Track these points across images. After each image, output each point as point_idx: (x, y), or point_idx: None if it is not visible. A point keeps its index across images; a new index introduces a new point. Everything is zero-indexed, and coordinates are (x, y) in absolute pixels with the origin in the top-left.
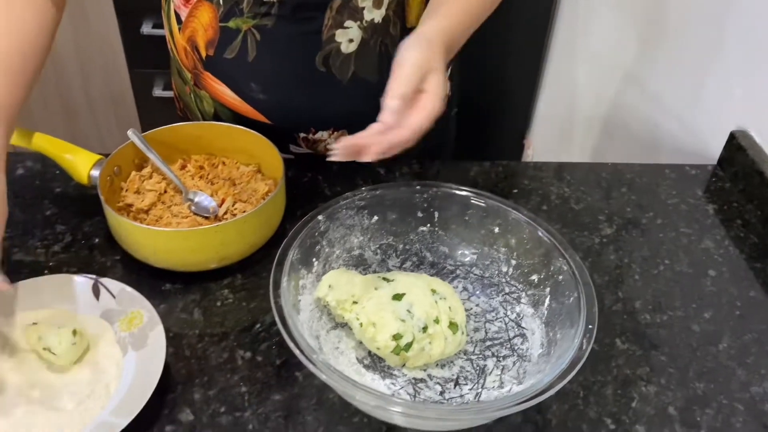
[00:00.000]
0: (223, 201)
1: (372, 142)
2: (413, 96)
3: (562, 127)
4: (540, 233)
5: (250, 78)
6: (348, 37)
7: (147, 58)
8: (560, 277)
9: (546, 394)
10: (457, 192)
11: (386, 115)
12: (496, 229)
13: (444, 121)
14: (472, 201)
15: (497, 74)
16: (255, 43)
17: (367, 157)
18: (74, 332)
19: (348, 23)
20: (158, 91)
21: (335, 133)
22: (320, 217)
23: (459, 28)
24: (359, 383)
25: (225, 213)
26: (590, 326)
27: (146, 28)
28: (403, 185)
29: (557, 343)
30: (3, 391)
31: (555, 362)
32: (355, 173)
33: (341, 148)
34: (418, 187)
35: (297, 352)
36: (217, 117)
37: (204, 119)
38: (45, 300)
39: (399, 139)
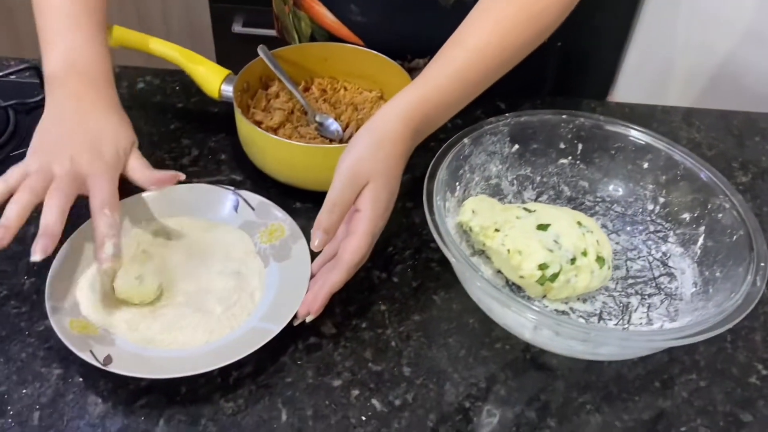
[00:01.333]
0: (346, 126)
1: (313, 297)
2: (350, 216)
3: (653, 80)
4: (697, 171)
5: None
6: None
7: None
8: (719, 215)
9: (724, 327)
10: (606, 125)
11: (315, 245)
12: (646, 165)
13: (545, 54)
14: (623, 134)
15: (585, 25)
16: None
17: (316, 311)
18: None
19: None
20: (237, 27)
21: None
22: (465, 140)
23: (442, 98)
24: (518, 297)
25: (349, 138)
26: (762, 264)
27: None
28: (549, 113)
29: (717, 281)
30: (151, 293)
31: (723, 299)
32: (476, 106)
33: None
34: (564, 117)
35: (454, 261)
36: (313, 38)
37: (300, 40)
38: (184, 208)
39: (338, 280)
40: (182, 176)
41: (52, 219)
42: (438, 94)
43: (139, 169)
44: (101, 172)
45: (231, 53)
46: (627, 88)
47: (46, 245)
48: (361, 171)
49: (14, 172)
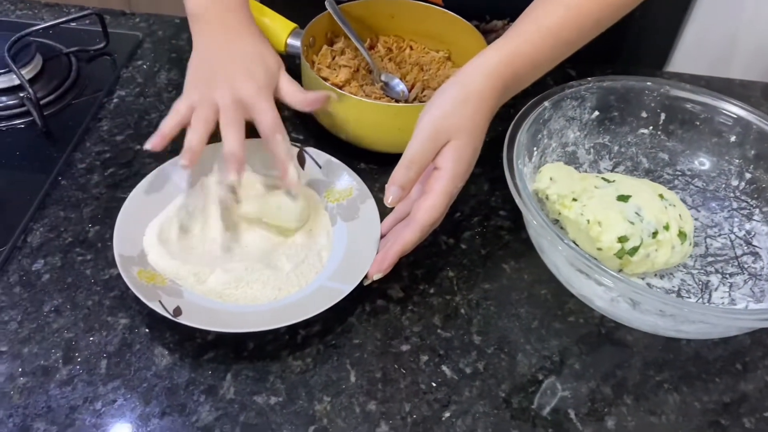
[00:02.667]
0: (412, 86)
1: (383, 256)
2: (427, 174)
3: (713, 54)
4: None
5: None
6: None
7: None
8: None
9: None
10: (695, 94)
11: (389, 201)
12: (733, 138)
13: (626, 24)
14: (712, 105)
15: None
16: None
17: (385, 270)
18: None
19: None
20: None
21: (509, 24)
22: (546, 104)
23: (534, 56)
24: (603, 266)
25: (414, 99)
26: None
27: None
28: (634, 79)
29: None
30: (221, 248)
31: None
32: (546, 74)
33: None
34: (649, 84)
35: (536, 224)
36: None
37: None
38: (251, 162)
39: (411, 239)
40: (335, 96)
41: (235, 147)
42: (530, 51)
43: (291, 91)
44: (259, 96)
45: None
46: (683, 62)
47: (236, 169)
48: (444, 127)
49: (180, 105)
